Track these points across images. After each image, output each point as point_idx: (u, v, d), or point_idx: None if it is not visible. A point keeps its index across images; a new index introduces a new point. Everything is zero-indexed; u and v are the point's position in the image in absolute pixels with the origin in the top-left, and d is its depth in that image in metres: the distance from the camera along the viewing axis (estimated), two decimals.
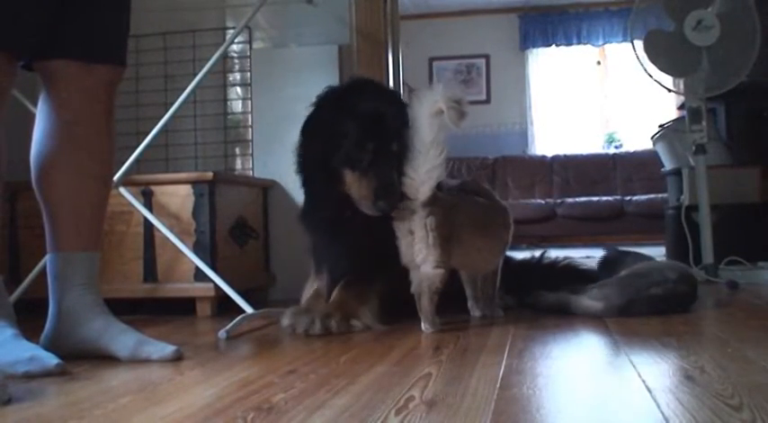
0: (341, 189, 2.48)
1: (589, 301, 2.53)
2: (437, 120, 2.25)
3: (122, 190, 3.00)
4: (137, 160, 3.08)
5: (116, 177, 3.00)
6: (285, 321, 2.44)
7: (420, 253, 2.30)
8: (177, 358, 2.00)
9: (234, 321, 2.46)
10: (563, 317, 2.52)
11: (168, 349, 2.02)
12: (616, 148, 10.12)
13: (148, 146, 3.12)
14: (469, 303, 2.62)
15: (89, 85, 2.10)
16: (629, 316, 2.46)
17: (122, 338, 2.03)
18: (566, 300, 2.61)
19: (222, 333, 2.38)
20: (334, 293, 2.50)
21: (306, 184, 2.60)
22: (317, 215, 2.60)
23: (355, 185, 2.44)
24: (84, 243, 2.11)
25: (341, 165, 2.45)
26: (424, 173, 2.28)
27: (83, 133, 2.11)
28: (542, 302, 2.70)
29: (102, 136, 2.16)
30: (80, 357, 2.00)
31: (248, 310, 2.71)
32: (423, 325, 2.34)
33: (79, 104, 2.10)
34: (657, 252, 5.48)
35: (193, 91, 3.14)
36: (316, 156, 2.51)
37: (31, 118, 3.14)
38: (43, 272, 2.97)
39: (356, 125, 2.44)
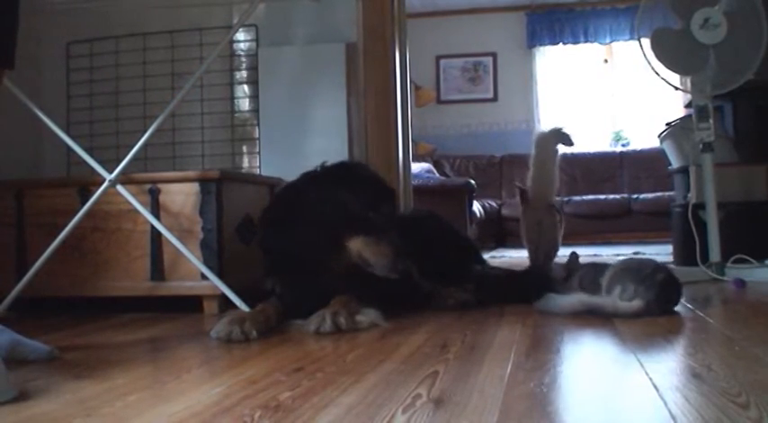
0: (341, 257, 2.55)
1: (624, 302, 2.46)
2: (556, 152, 3.85)
3: (119, 188, 3.00)
4: (135, 158, 3.08)
5: (113, 175, 3.01)
6: (219, 329, 2.34)
7: (548, 235, 3.70)
8: (52, 358, 1.99)
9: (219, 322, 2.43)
10: (569, 316, 2.51)
11: (43, 349, 2.00)
12: (623, 146, 10.10)
13: (146, 143, 3.13)
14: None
15: None
16: (664, 310, 2.47)
17: None
18: (593, 303, 2.52)
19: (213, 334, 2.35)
20: (335, 299, 2.51)
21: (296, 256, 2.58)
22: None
23: (370, 249, 2.50)
24: None
25: (351, 232, 2.52)
26: (550, 185, 3.80)
27: None
28: (557, 306, 2.59)
29: None
30: None
31: (245, 308, 2.73)
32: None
33: None
34: (664, 250, 5.49)
35: (188, 88, 3.15)
36: (307, 233, 2.54)
37: (33, 118, 3.17)
38: (47, 270, 3.00)
39: (370, 191, 2.62)
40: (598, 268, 2.73)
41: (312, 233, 2.53)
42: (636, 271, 2.58)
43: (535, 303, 2.67)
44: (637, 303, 2.44)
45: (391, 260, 2.49)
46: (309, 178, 2.68)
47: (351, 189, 2.57)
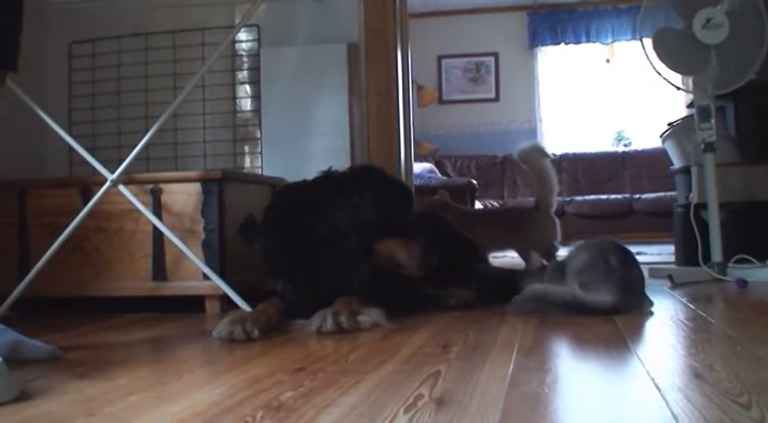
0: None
1: (599, 296, 2.47)
2: (545, 164, 4.14)
3: (121, 187, 3.00)
4: (137, 158, 3.08)
5: (115, 175, 3.01)
6: (221, 329, 2.33)
7: (551, 238, 4.04)
8: (54, 358, 1.99)
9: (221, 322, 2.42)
10: (571, 315, 2.51)
11: (45, 349, 2.00)
12: (625, 146, 10.10)
13: (148, 143, 3.13)
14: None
15: None
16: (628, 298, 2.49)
17: None
18: (573, 297, 2.53)
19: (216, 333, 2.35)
20: (338, 299, 2.50)
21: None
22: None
23: (402, 250, 2.61)
24: None
25: (382, 235, 2.60)
26: (552, 195, 4.09)
27: None
28: (550, 298, 2.60)
29: None
30: None
31: (247, 308, 2.72)
32: None
33: None
34: (666, 250, 5.48)
35: (190, 88, 3.15)
36: (333, 231, 2.56)
37: (35, 117, 3.17)
38: (48, 270, 3.00)
39: (395, 194, 2.69)
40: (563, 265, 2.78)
41: (337, 235, 2.55)
42: (576, 268, 2.61)
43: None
44: (608, 298, 2.46)
45: (421, 260, 2.60)
46: (327, 181, 2.69)
47: (377, 193, 2.62)
